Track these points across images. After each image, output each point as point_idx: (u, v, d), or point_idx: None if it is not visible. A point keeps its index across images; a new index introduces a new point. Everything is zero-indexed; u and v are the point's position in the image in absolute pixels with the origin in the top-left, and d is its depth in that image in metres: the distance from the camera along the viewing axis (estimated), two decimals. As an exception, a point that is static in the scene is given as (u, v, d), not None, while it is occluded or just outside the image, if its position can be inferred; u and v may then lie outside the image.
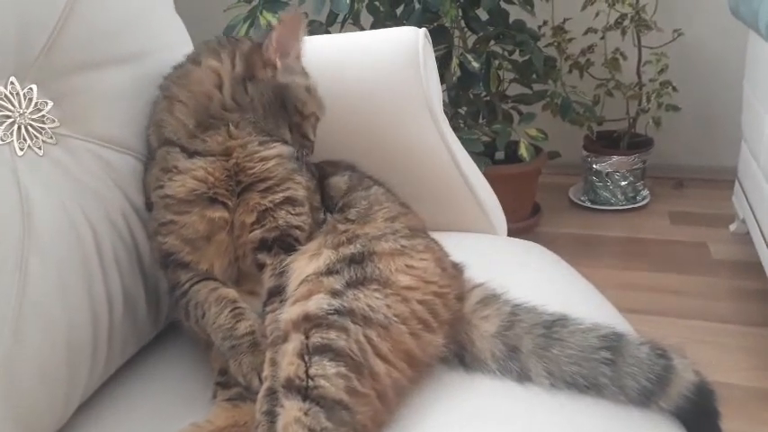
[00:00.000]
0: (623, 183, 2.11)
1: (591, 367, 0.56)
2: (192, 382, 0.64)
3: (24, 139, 0.61)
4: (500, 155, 1.94)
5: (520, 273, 0.78)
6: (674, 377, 0.56)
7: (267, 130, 0.65)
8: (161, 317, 0.72)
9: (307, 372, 0.50)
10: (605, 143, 2.13)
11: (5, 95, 0.61)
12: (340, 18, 1.84)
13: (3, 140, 0.59)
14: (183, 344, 0.69)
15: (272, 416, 0.51)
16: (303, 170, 0.65)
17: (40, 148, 0.62)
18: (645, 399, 0.56)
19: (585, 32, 2.00)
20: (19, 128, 0.61)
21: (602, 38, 1.99)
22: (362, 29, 1.88)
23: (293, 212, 0.62)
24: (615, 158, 2.07)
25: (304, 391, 0.50)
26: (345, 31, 1.83)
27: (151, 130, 0.68)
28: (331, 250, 0.59)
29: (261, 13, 1.75)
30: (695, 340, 1.45)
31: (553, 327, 0.58)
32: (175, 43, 0.83)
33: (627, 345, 0.57)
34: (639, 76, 2.02)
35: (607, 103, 2.08)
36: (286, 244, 0.62)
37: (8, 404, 0.53)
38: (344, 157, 0.79)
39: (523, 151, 1.82)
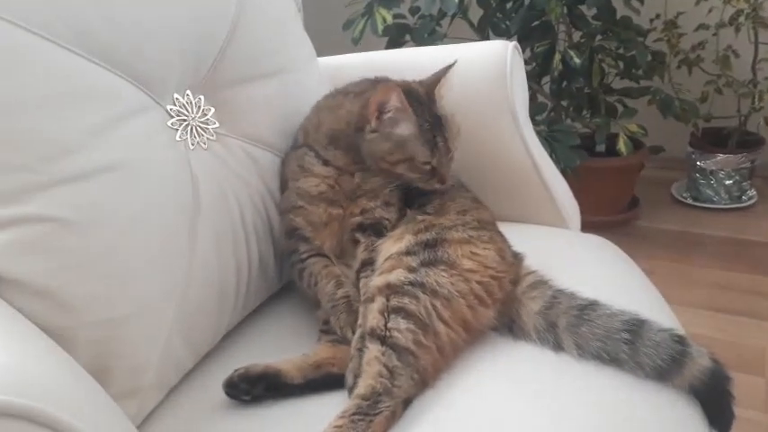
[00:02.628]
0: (728, 182, 2.07)
1: (613, 344, 0.69)
2: (304, 326, 0.84)
3: (194, 137, 0.83)
4: (601, 147, 1.99)
5: (577, 264, 0.91)
6: (688, 360, 0.68)
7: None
8: (285, 274, 0.93)
9: (386, 325, 0.68)
10: (712, 140, 2.10)
11: (183, 104, 0.83)
12: (450, 12, 1.96)
13: (180, 138, 0.81)
14: (298, 298, 0.90)
15: (361, 352, 0.69)
16: (397, 188, 0.84)
17: (205, 144, 0.84)
18: (659, 375, 0.68)
19: (697, 28, 1.97)
20: (191, 128, 0.83)
21: (715, 34, 1.95)
22: (471, 23, 2.00)
23: (385, 209, 0.82)
24: (721, 156, 2.04)
25: (383, 338, 0.67)
26: (454, 25, 1.97)
27: (300, 132, 0.90)
28: (411, 236, 0.76)
29: (377, 9, 1.93)
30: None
31: (585, 310, 0.72)
32: (305, 60, 1.03)
33: (647, 330, 0.69)
34: (755, 74, 1.97)
35: (718, 99, 2.04)
36: (376, 229, 0.81)
37: (179, 326, 0.75)
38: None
39: (621, 146, 1.86)
